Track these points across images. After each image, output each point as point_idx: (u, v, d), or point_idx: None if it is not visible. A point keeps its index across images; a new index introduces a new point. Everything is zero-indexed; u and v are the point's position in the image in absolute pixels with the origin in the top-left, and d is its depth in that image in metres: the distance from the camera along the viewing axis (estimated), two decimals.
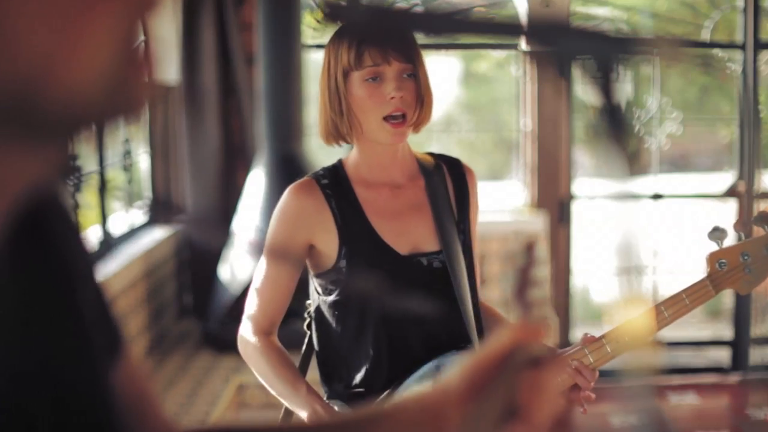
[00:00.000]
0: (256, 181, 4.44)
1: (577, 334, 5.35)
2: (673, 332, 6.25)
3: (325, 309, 1.87)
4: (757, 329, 5.28)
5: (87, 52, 0.47)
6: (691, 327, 6.68)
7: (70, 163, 3.75)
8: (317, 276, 1.87)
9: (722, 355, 5.37)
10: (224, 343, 4.41)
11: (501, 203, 5.46)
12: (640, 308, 1.78)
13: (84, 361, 0.67)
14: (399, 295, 1.76)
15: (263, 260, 1.87)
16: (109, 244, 4.28)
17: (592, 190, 5.32)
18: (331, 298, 1.85)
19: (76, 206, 3.91)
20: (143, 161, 4.99)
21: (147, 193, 5.01)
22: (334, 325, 1.86)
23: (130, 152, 4.79)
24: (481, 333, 1.91)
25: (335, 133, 1.83)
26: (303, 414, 1.78)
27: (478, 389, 0.73)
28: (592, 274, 5.86)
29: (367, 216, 1.83)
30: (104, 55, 0.48)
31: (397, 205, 1.86)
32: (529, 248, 4.99)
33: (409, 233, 1.85)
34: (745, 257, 1.85)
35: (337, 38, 1.80)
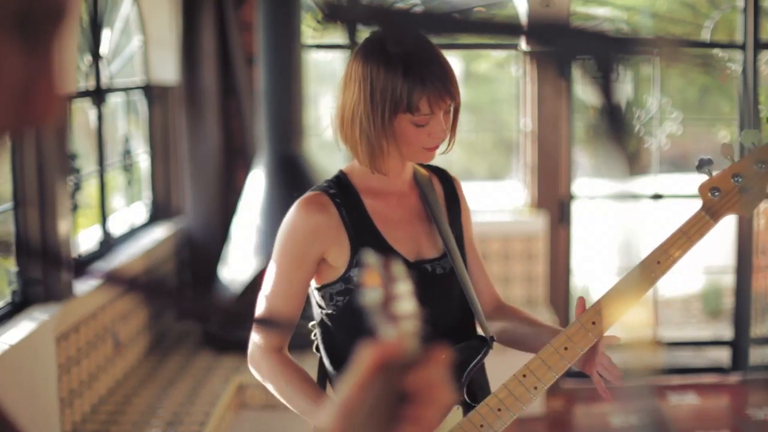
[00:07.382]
0: (256, 182, 4.44)
1: None
2: (673, 332, 6.25)
3: (329, 321, 1.87)
4: (757, 329, 5.27)
5: None
6: (691, 327, 6.69)
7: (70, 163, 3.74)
8: (322, 287, 1.87)
9: (722, 355, 5.36)
10: (224, 343, 4.41)
11: (501, 203, 5.46)
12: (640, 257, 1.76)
13: None
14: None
15: (272, 275, 1.84)
16: (109, 243, 4.28)
17: (592, 190, 5.32)
18: (338, 307, 1.84)
19: (76, 206, 3.91)
20: (143, 161, 4.99)
21: (147, 193, 5.01)
22: (341, 333, 1.86)
23: (130, 152, 4.79)
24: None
25: (377, 151, 1.80)
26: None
27: (354, 407, 0.73)
28: (592, 274, 5.86)
29: (376, 224, 1.85)
30: None
31: (401, 213, 1.90)
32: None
33: (414, 241, 1.89)
34: (737, 179, 1.79)
35: (386, 65, 1.74)
